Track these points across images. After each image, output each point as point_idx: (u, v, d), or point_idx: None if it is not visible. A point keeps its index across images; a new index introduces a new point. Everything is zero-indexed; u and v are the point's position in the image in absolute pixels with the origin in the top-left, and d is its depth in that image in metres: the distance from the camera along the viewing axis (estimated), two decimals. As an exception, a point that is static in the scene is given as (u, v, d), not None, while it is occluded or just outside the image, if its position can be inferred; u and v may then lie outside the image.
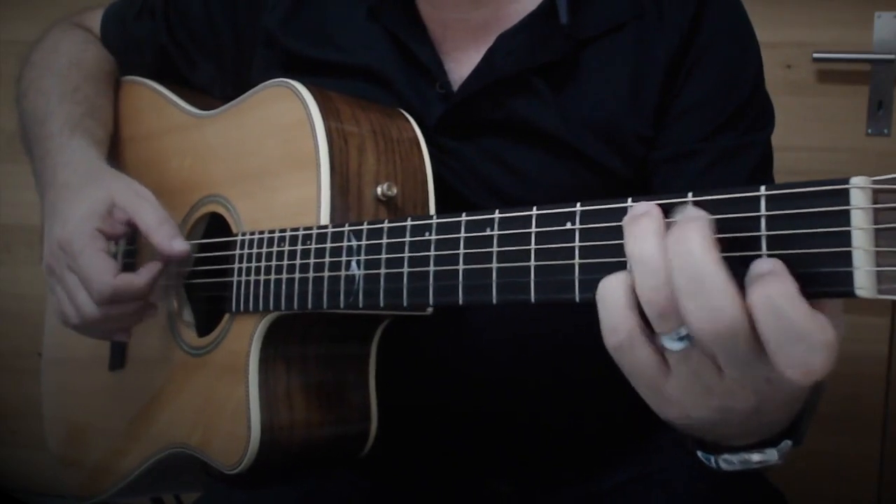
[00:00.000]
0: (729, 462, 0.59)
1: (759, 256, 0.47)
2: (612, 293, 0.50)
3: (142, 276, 0.86)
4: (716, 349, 0.47)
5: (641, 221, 0.49)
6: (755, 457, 0.58)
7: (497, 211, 0.61)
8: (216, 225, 0.92)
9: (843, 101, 1.54)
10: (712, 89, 0.86)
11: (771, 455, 0.58)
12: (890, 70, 1.51)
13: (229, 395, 0.83)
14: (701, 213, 0.48)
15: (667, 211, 0.50)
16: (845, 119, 1.54)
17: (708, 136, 0.86)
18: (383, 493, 0.92)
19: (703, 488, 0.81)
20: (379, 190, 0.81)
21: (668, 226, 0.49)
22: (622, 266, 0.51)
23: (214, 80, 1.04)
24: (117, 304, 0.85)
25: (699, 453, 0.61)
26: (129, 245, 1.00)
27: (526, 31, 0.86)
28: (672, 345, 0.49)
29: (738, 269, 0.47)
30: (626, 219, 0.50)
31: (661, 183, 0.87)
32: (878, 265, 0.43)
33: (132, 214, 0.87)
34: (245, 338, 0.82)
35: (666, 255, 0.48)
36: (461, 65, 0.89)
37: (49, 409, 1.14)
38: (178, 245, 0.85)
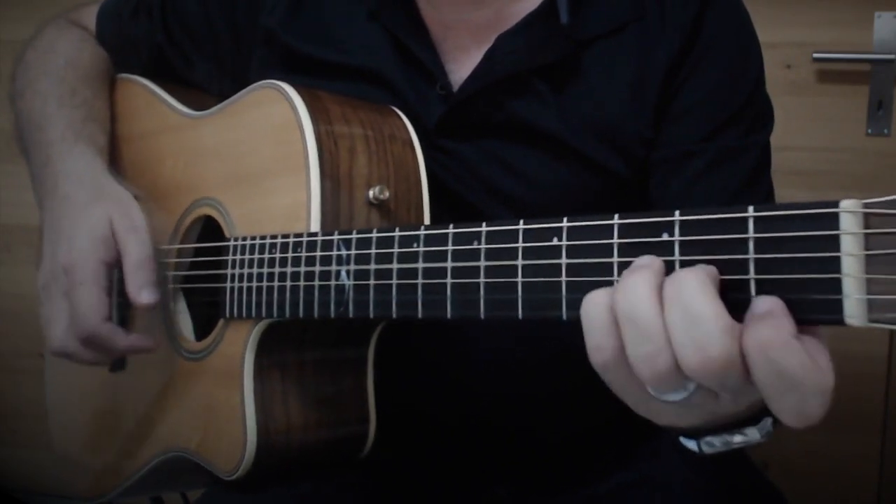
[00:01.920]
0: (711, 444, 0.58)
1: (751, 291, 0.46)
2: (596, 310, 0.49)
3: (128, 340, 0.87)
4: (709, 385, 0.47)
5: (635, 275, 0.47)
6: (737, 437, 0.57)
7: (484, 224, 0.59)
8: (211, 228, 0.92)
9: (843, 101, 1.53)
10: (713, 90, 0.86)
11: (753, 434, 0.57)
12: (890, 70, 1.50)
13: (225, 400, 0.83)
14: (709, 269, 0.46)
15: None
16: (845, 119, 1.53)
17: (707, 137, 0.85)
18: (381, 496, 0.92)
19: (703, 490, 0.80)
20: (371, 193, 0.79)
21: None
22: (610, 285, 0.50)
23: (212, 79, 1.03)
24: (91, 347, 0.86)
25: (681, 439, 0.61)
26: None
27: (526, 32, 0.86)
28: (669, 397, 0.48)
29: (737, 307, 0.46)
30: (624, 272, 0.49)
31: (658, 183, 0.87)
32: (868, 293, 0.41)
33: (120, 248, 0.87)
34: (239, 343, 0.82)
35: (660, 317, 0.46)
36: (462, 65, 0.88)
37: (53, 409, 1.14)
38: (145, 296, 0.85)
